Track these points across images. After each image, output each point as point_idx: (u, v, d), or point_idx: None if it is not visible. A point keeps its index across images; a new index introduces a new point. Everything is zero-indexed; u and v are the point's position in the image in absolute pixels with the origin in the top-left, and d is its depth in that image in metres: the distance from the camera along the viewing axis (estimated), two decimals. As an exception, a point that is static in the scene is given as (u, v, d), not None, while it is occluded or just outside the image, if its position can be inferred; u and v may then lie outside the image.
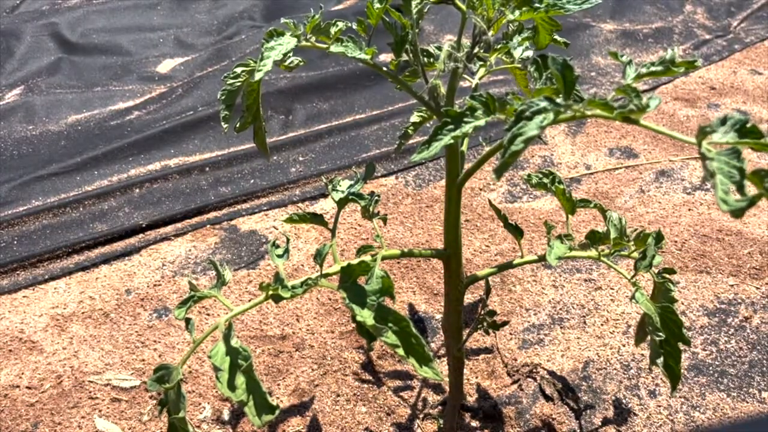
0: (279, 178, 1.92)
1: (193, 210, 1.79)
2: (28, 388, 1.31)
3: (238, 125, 0.82)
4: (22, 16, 2.78)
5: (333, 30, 0.75)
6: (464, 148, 0.85)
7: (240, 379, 0.70)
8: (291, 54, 0.73)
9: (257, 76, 0.71)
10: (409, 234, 1.71)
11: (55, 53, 2.51)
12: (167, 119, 2.15)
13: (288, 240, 0.83)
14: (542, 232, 1.71)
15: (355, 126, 2.17)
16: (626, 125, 2.19)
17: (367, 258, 0.79)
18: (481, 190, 1.89)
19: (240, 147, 2.04)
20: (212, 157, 1.99)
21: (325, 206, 1.83)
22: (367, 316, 0.72)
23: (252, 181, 1.91)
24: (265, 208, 1.82)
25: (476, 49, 0.70)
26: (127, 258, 1.64)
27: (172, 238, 1.71)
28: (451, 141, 0.57)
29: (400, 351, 0.72)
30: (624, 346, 1.41)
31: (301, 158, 2.02)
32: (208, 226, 1.75)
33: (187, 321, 0.77)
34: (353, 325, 1.45)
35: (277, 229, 1.74)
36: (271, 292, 0.76)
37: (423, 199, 1.85)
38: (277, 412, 0.69)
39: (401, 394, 1.31)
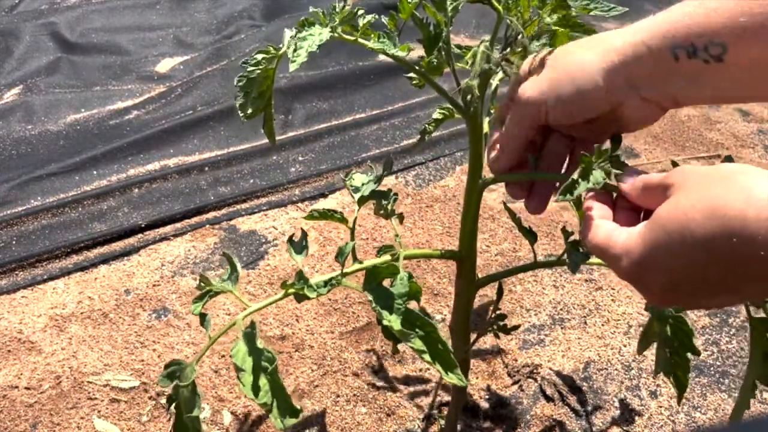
0: (278, 178, 1.91)
1: (192, 210, 1.79)
2: (27, 388, 1.31)
3: (249, 111, 0.80)
4: (20, 15, 2.77)
5: (361, 22, 0.73)
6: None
7: (263, 381, 0.68)
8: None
9: (292, 67, 0.69)
10: (409, 234, 1.70)
11: (54, 53, 2.50)
12: (166, 119, 2.14)
13: (306, 235, 0.81)
14: (543, 232, 1.71)
15: (355, 126, 2.17)
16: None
17: (387, 258, 0.78)
18: (481, 189, 1.89)
19: (239, 147, 2.04)
20: (211, 157, 1.99)
21: (325, 206, 1.82)
22: (394, 321, 0.70)
23: (251, 181, 1.91)
24: (264, 208, 1.81)
25: (508, 50, 0.69)
26: (126, 258, 1.64)
27: (172, 238, 1.70)
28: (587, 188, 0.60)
29: (427, 357, 0.70)
30: (625, 346, 1.40)
31: (300, 158, 2.01)
32: (208, 226, 1.75)
33: (203, 316, 0.75)
34: (353, 325, 1.44)
35: (276, 229, 1.73)
36: (293, 291, 0.74)
37: (423, 199, 1.84)
38: (301, 416, 0.68)
39: (402, 394, 1.30)
